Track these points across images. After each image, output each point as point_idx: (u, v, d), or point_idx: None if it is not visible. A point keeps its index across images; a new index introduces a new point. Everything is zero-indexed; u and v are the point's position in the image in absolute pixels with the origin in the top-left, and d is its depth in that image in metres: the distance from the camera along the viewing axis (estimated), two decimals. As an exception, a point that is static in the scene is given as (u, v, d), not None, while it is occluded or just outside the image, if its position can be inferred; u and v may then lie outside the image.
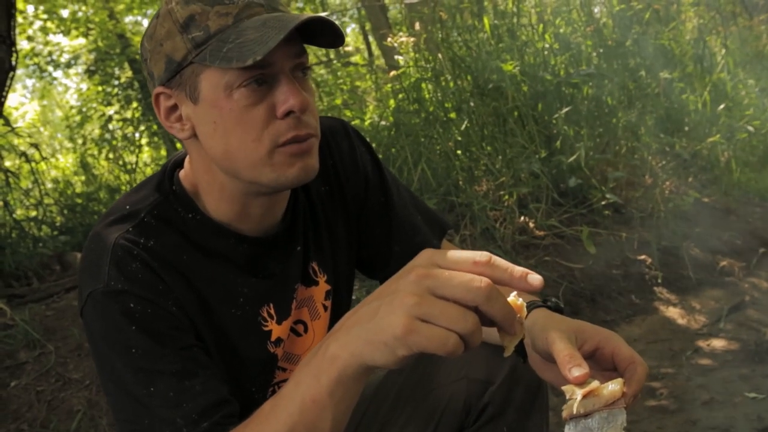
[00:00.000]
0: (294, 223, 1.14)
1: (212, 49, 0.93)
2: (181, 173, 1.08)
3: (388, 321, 0.68)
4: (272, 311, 1.10)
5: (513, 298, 0.73)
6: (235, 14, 0.94)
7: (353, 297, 1.33)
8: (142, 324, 0.93)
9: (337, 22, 0.96)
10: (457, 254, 0.69)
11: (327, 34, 0.98)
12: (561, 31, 4.97)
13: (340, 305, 1.24)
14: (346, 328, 0.74)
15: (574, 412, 0.79)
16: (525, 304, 0.74)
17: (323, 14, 0.95)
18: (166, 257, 1.00)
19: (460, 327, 0.66)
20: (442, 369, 1.23)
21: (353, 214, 1.23)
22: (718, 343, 2.89)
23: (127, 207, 1.04)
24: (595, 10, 5.73)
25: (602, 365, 0.94)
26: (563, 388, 0.82)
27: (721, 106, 4.83)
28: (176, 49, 0.96)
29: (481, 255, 0.69)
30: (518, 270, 0.68)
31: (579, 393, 0.79)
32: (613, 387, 0.80)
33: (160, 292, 0.97)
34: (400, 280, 0.70)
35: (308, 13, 0.94)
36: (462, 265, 0.68)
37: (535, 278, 0.68)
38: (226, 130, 0.97)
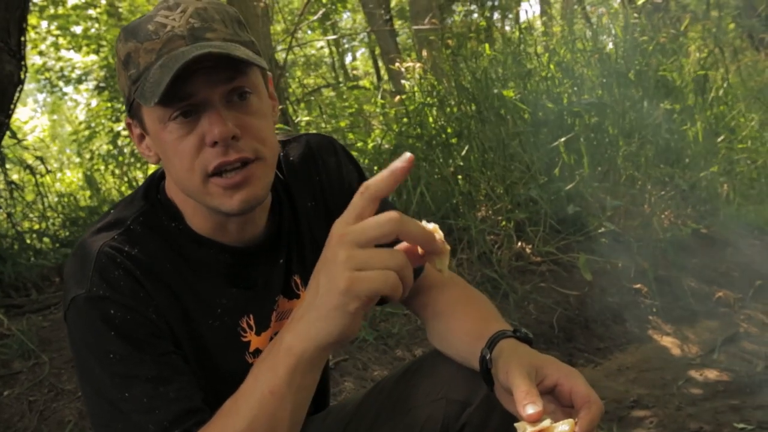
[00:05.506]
0: (278, 236, 1.16)
1: (139, 86, 0.97)
2: (167, 184, 1.12)
3: (330, 285, 0.75)
4: (252, 322, 1.12)
5: (423, 224, 0.79)
6: (158, 50, 0.97)
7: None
8: (121, 330, 0.96)
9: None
10: (351, 204, 0.77)
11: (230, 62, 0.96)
12: (566, 60, 5.02)
13: None
14: (297, 319, 0.80)
15: None
16: (437, 226, 0.80)
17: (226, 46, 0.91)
18: (149, 265, 1.02)
19: (392, 264, 0.74)
20: (420, 389, 1.24)
21: None
22: (710, 374, 2.88)
23: (113, 213, 1.07)
24: (600, 39, 5.78)
25: (561, 401, 0.96)
26: (515, 425, 0.85)
27: (720, 138, 4.86)
28: (123, 86, 1.03)
29: (362, 187, 0.76)
30: (388, 170, 0.75)
31: (530, 431, 0.82)
32: (563, 428, 0.83)
33: (140, 299, 0.99)
34: (325, 251, 0.77)
35: (210, 46, 0.94)
36: (357, 207, 0.76)
37: (404, 157, 0.75)
38: (168, 160, 1.02)
